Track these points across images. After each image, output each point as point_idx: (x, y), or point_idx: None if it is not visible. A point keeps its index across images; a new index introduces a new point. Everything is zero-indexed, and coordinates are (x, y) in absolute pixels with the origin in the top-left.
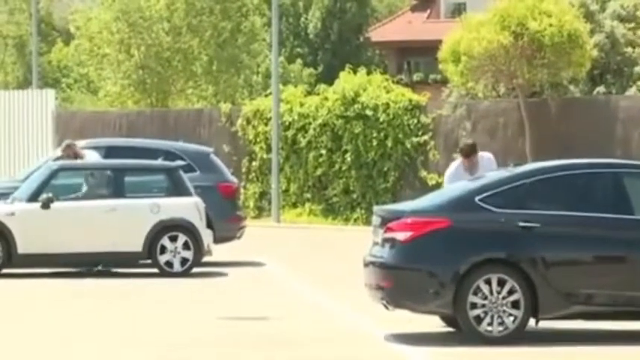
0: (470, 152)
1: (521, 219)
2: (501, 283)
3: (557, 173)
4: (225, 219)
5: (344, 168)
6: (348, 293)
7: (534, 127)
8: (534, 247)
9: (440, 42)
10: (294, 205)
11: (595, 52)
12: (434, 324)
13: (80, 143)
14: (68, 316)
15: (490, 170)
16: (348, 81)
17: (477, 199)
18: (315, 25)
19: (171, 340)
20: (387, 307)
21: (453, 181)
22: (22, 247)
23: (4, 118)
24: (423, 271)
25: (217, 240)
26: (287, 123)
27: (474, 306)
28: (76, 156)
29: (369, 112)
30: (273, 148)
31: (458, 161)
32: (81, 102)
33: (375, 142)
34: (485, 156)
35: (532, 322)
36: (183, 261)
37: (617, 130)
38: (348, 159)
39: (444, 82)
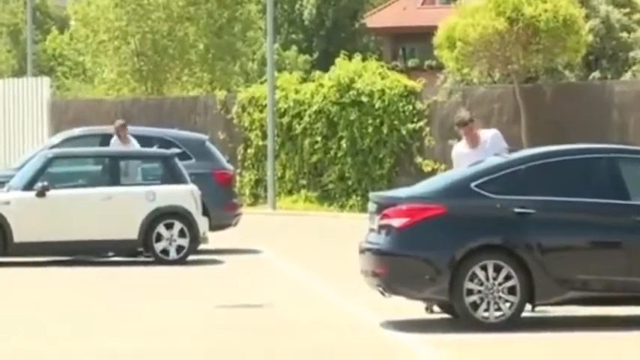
0: (460, 124)
1: (517, 205)
2: (497, 269)
3: (553, 159)
4: (221, 206)
5: (339, 155)
6: (344, 280)
7: (530, 113)
8: (530, 233)
9: (435, 28)
10: (290, 192)
11: (590, 38)
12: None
13: (75, 131)
14: (62, 305)
15: (499, 145)
16: (343, 67)
17: (472, 185)
18: (310, 12)
19: (168, 328)
20: (383, 294)
21: (459, 160)
22: (18, 235)
23: None
24: (418, 258)
25: (213, 227)
26: (282, 110)
27: (470, 292)
28: (125, 137)
29: (364, 99)
30: (268, 135)
31: (461, 142)
32: (77, 90)
33: (370, 129)
34: (490, 133)
35: (528, 307)
36: (179, 249)
37: (612, 116)
38: (344, 146)
39: (440, 68)
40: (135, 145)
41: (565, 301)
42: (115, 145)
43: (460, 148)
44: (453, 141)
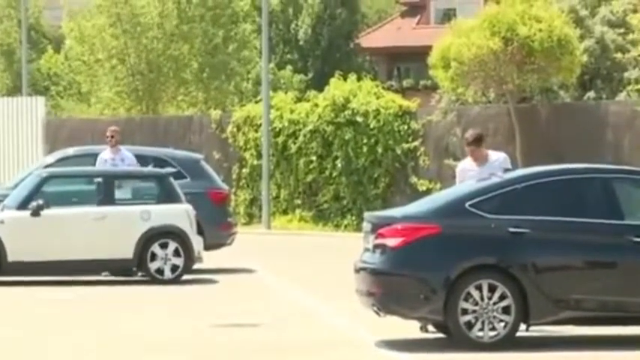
0: (471, 142)
1: (511, 224)
2: (492, 288)
3: (548, 179)
4: (216, 225)
5: (334, 174)
6: (338, 299)
7: (524, 133)
8: (525, 252)
9: (430, 48)
10: (285, 212)
11: (585, 58)
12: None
13: (70, 151)
14: (58, 323)
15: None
16: (338, 87)
17: (467, 204)
18: (305, 32)
19: (162, 346)
20: (378, 314)
21: (461, 177)
22: (12, 254)
23: None
24: (413, 277)
25: (208, 247)
26: (277, 129)
27: (464, 312)
28: (116, 143)
29: (359, 119)
30: (263, 154)
31: (467, 159)
32: (71, 110)
33: (365, 149)
34: (501, 155)
35: (523, 327)
36: (174, 268)
37: (607, 136)
38: (339, 165)
39: (434, 88)
40: (126, 157)
41: (559, 320)
42: (106, 155)
43: (466, 165)
44: (448, 160)
